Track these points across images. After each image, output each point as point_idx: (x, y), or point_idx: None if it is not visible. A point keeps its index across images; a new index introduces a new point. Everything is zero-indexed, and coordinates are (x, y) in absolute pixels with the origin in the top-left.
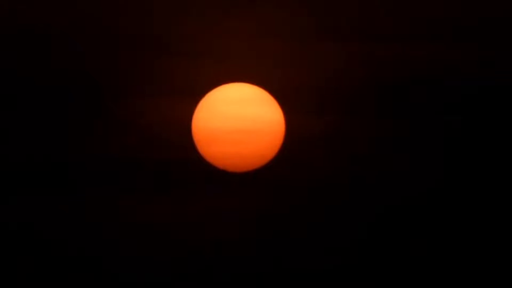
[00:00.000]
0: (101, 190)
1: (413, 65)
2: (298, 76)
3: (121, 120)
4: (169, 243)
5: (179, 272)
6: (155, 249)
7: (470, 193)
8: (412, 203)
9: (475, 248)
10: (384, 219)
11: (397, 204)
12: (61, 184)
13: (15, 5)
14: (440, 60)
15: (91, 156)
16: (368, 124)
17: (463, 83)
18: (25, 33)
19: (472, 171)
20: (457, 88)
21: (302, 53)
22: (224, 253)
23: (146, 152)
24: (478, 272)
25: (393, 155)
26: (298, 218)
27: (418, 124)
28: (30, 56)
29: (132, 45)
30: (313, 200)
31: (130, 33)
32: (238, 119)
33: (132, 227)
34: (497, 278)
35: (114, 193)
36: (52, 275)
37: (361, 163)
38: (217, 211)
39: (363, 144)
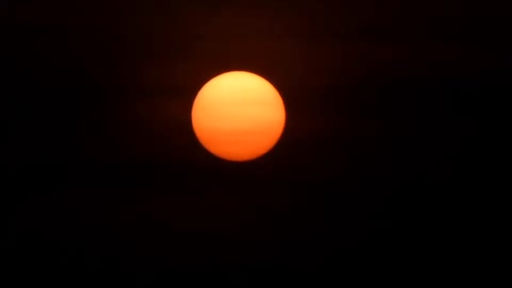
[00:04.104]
0: (101, 190)
1: (413, 65)
2: (297, 76)
3: (121, 120)
4: (169, 242)
5: (180, 272)
6: (156, 249)
7: (470, 193)
8: (412, 203)
9: (475, 249)
10: (383, 219)
11: (397, 204)
12: (61, 184)
13: (15, 5)
14: (440, 60)
15: (90, 156)
16: (368, 124)
17: (463, 83)
18: (25, 33)
19: (473, 171)
20: (457, 88)
21: (301, 53)
22: (223, 251)
23: (146, 152)
24: (478, 272)
25: (392, 155)
26: (297, 218)
27: (418, 124)
28: (29, 56)
29: (132, 45)
30: (312, 199)
31: (130, 34)
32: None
33: (132, 227)
34: (497, 278)
35: (114, 193)
36: (51, 274)
37: (360, 163)
38: (216, 210)
39: (363, 144)
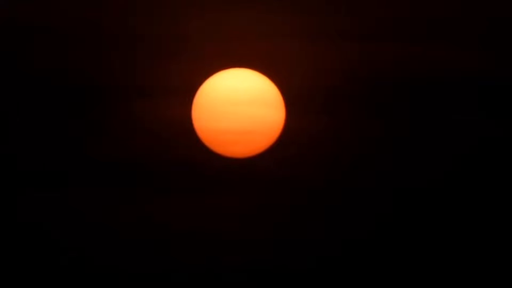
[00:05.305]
0: (101, 190)
1: (413, 65)
2: (298, 76)
3: (121, 120)
4: (169, 242)
5: (180, 272)
6: (156, 249)
7: (470, 193)
8: (411, 203)
9: (475, 249)
10: (383, 219)
11: (396, 204)
12: (61, 184)
13: (15, 5)
14: (440, 60)
15: (90, 156)
16: (368, 124)
17: (463, 83)
18: (25, 33)
19: (473, 171)
20: (457, 88)
21: (302, 52)
22: (223, 251)
23: (146, 151)
24: (478, 272)
25: (392, 155)
26: (297, 217)
27: (418, 124)
28: (29, 56)
29: (132, 45)
30: (312, 199)
31: (129, 34)
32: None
33: (132, 227)
34: (497, 278)
35: (114, 193)
36: (52, 274)
37: (360, 163)
38: (216, 210)
39: (363, 144)
